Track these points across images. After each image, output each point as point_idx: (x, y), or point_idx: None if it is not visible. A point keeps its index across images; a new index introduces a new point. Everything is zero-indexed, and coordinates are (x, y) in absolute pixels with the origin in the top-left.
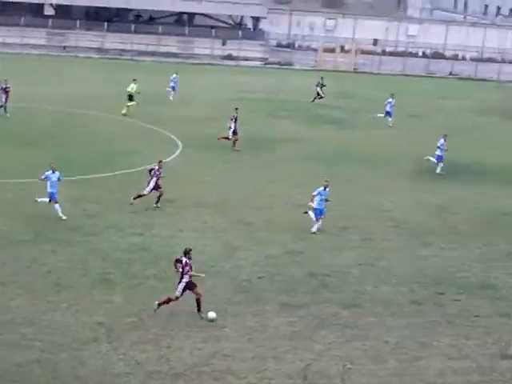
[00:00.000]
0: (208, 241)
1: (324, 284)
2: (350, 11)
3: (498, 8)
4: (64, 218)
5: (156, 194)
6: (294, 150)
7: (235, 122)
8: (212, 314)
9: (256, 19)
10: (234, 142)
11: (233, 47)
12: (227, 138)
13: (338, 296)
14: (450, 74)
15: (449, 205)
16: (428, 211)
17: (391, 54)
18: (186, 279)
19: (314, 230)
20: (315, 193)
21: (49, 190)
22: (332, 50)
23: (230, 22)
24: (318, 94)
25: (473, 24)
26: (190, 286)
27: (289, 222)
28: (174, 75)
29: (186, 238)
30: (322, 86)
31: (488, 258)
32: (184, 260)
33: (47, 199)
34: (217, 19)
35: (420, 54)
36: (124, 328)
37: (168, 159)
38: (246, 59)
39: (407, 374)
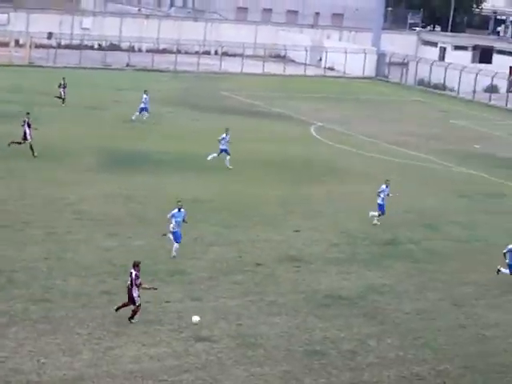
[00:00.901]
0: None
1: (11, 280)
2: (23, 5)
3: (172, 0)
4: None
5: None
6: None
7: (29, 126)
8: (195, 318)
9: None
10: (31, 147)
11: None
12: (19, 143)
13: (26, 292)
14: (127, 65)
15: (134, 195)
16: (114, 202)
17: (67, 46)
18: (136, 292)
19: (174, 253)
20: (169, 215)
21: None
22: (6, 44)
23: None
24: (61, 95)
25: (147, 16)
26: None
27: None
28: None
29: None
30: (64, 86)
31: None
32: (134, 273)
33: None
34: None
35: (96, 46)
36: None
37: None
38: None
39: (102, 363)
